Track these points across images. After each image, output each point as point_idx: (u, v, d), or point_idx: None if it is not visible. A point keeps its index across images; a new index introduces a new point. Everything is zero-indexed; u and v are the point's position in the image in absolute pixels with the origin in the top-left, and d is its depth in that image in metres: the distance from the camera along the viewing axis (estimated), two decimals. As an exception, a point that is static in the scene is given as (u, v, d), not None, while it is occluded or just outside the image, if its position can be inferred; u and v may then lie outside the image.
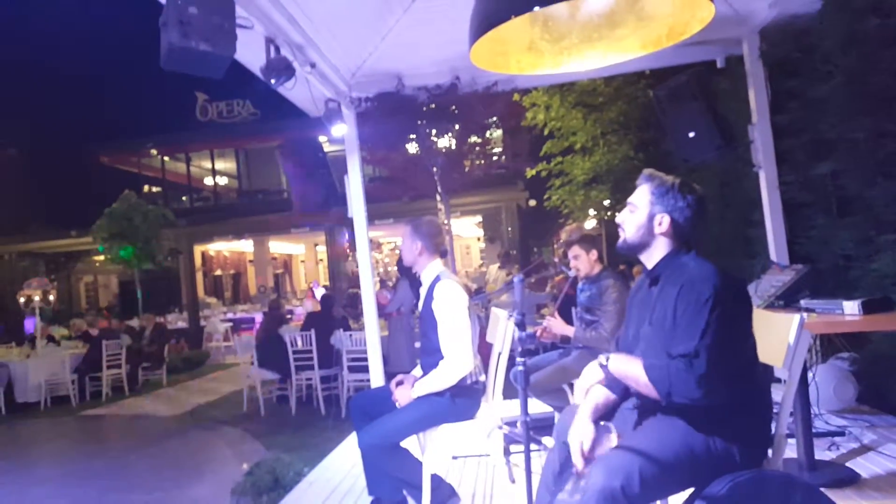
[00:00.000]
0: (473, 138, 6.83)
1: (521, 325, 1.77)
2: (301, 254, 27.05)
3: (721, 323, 1.87)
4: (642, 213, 2.12)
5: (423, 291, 3.25)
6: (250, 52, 3.66)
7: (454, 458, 3.96)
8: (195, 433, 7.20)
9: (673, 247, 2.11)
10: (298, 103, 5.14)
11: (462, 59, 3.50)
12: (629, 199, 2.18)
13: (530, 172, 9.85)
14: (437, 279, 3.16)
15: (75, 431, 8.31)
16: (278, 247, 24.85)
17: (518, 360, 1.78)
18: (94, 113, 25.28)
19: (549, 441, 2.27)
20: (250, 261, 24.86)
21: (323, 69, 4.51)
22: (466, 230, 22.74)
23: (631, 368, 1.96)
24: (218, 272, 25.18)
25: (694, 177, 7.00)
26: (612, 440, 1.99)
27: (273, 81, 3.70)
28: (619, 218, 2.23)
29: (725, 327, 1.87)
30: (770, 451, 2.05)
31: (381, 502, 3.24)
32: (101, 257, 17.48)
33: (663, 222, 2.09)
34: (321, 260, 24.94)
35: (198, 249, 22.16)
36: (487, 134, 7.57)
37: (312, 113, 5.19)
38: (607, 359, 2.01)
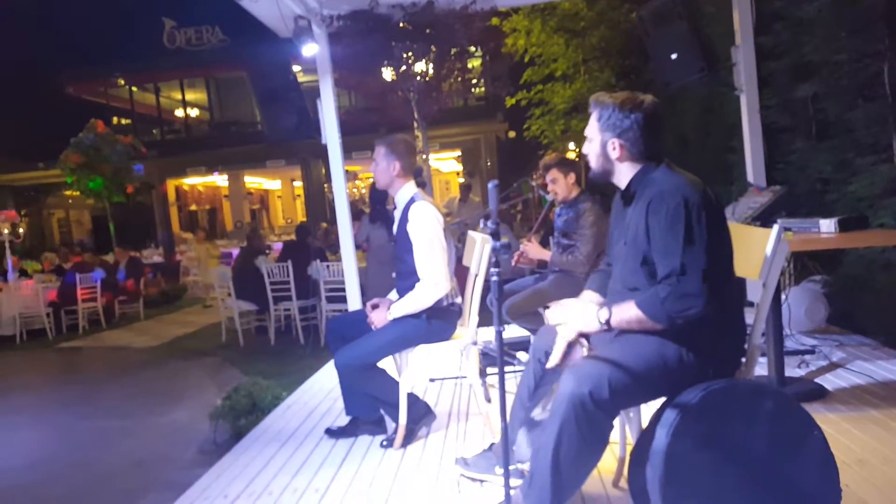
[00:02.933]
0: (452, 58, 6.58)
1: (495, 235, 1.72)
2: (278, 189, 26.66)
3: (696, 230, 1.85)
4: (596, 143, 2.08)
5: (397, 214, 3.18)
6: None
7: (432, 380, 4.00)
8: (173, 363, 7.21)
9: (640, 166, 2.05)
10: (267, 21, 4.89)
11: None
12: (585, 130, 2.13)
13: (510, 101, 9.62)
14: (412, 201, 3.09)
15: (51, 363, 8.28)
16: (254, 182, 24.44)
17: (492, 270, 1.74)
18: (57, 41, 24.04)
19: (523, 356, 2.27)
20: (225, 196, 24.47)
21: (291, -19, 4.26)
22: (446, 165, 22.54)
23: (627, 313, 1.92)
24: (193, 207, 24.79)
25: (676, 104, 6.92)
26: (583, 352, 1.99)
27: (237, -8, 3.48)
28: (584, 149, 2.18)
29: (700, 234, 1.85)
30: (742, 365, 2.07)
31: (359, 421, 3.29)
32: (73, 192, 17.02)
33: (616, 147, 2.04)
34: (298, 195, 24.62)
35: (171, 184, 21.75)
36: (468, 64, 7.34)
37: (282, 32, 4.96)
38: (609, 315, 1.95)
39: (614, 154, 2.05)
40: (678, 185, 1.92)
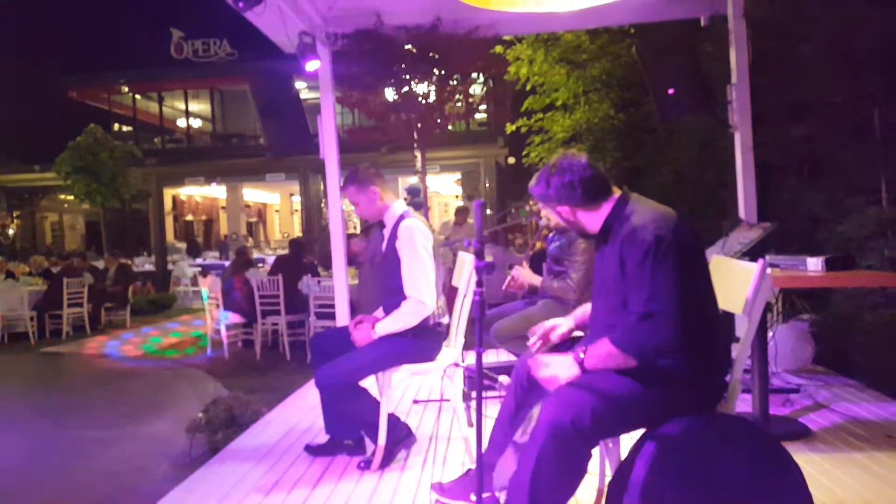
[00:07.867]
0: (454, 82, 6.65)
1: (478, 255, 1.72)
2: (276, 203, 26.67)
3: (668, 269, 1.84)
4: (556, 215, 2.18)
5: (386, 232, 3.17)
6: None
7: (415, 402, 3.96)
8: (156, 373, 7.12)
9: (606, 208, 2.06)
10: (271, 36, 4.93)
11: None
12: None
13: (510, 128, 9.69)
14: (402, 217, 3.08)
15: (32, 368, 8.16)
16: (252, 195, 24.44)
17: (474, 289, 1.73)
18: (63, 44, 24.18)
19: (505, 380, 2.25)
20: (223, 207, 24.45)
21: (296, -3, 4.30)
22: (446, 188, 22.63)
23: (602, 350, 1.92)
24: (189, 217, 24.74)
25: (674, 139, 6.98)
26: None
27: (241, 5, 3.52)
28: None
29: (674, 272, 1.84)
30: (724, 399, 2.05)
31: (338, 440, 3.23)
32: (68, 196, 16.98)
33: (564, 212, 2.11)
34: (296, 210, 24.63)
35: (168, 193, 21.69)
36: (470, 90, 7.41)
37: (287, 48, 5.00)
38: (583, 357, 1.95)
39: (571, 216, 2.11)
40: (650, 220, 1.92)
